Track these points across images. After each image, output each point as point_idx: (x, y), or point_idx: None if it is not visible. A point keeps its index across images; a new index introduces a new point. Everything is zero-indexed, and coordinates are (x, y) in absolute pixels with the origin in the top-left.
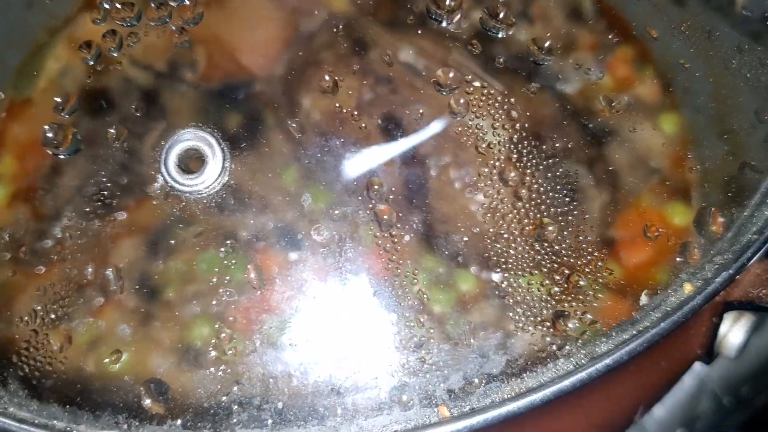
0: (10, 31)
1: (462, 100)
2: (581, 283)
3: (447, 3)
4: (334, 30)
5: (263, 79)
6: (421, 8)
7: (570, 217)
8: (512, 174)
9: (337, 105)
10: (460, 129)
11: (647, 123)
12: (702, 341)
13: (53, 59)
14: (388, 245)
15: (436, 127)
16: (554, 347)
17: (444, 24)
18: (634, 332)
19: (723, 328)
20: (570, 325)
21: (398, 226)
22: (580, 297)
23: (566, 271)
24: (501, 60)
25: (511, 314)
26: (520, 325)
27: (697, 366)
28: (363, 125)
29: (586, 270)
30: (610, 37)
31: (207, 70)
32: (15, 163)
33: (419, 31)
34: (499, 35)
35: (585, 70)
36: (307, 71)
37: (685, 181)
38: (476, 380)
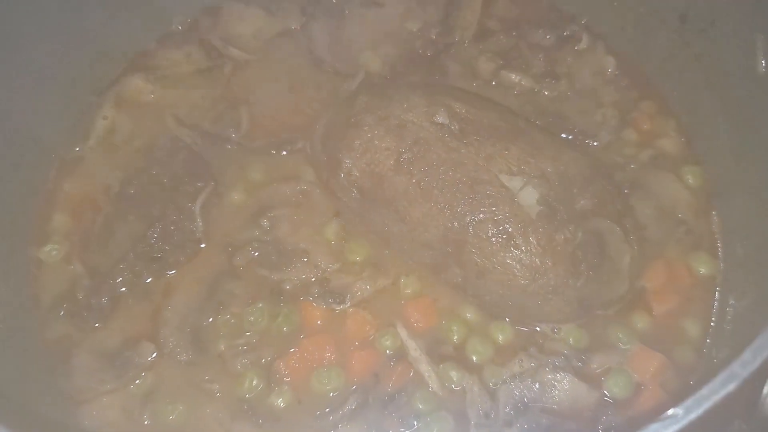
0: (61, 93)
1: (495, 159)
2: (615, 334)
3: (483, 66)
4: (372, 91)
5: (305, 137)
6: (455, 70)
7: (601, 271)
8: (545, 229)
9: (375, 164)
10: (494, 187)
11: (672, 175)
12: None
13: (101, 118)
14: (428, 295)
15: (468, 183)
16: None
17: (474, 85)
18: None
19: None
20: (607, 376)
21: (441, 276)
22: (614, 347)
23: (599, 322)
24: (531, 117)
25: (547, 366)
26: (557, 375)
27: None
28: (399, 181)
29: (619, 321)
30: (633, 93)
31: (251, 129)
32: (68, 221)
33: (454, 93)
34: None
35: (610, 125)
36: (348, 132)
37: (711, 232)
38: None
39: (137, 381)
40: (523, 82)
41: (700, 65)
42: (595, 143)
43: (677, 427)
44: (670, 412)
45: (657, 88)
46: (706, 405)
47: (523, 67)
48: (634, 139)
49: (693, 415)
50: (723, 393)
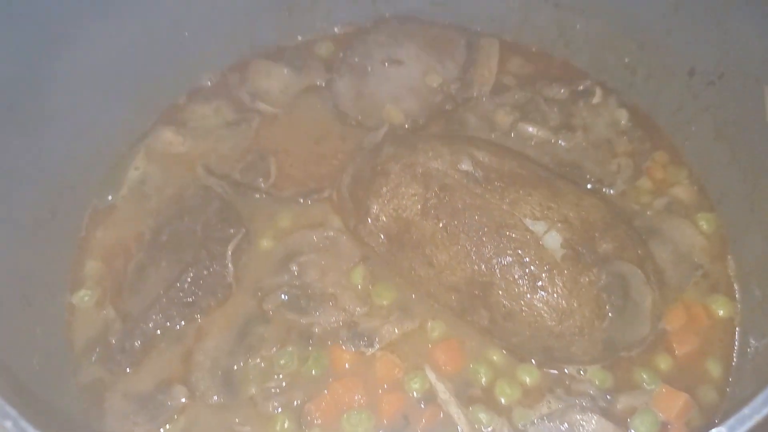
0: (95, 144)
1: (519, 204)
2: (640, 374)
3: (501, 118)
4: (396, 142)
5: (331, 186)
6: (474, 122)
7: (625, 313)
8: (570, 272)
9: (402, 210)
10: (519, 231)
11: (687, 222)
12: None
13: (133, 169)
14: (455, 338)
15: (494, 226)
16: None
17: (492, 136)
18: None
19: None
20: (633, 416)
21: (468, 319)
22: (639, 387)
23: (624, 364)
24: (550, 165)
25: (575, 406)
26: (585, 415)
27: None
28: (425, 225)
29: (642, 362)
30: (646, 143)
31: (279, 179)
32: (100, 267)
33: (475, 142)
34: (542, 141)
35: (625, 174)
36: (375, 179)
37: (727, 275)
38: None
39: (169, 424)
40: (539, 134)
41: (710, 116)
42: (611, 191)
43: None
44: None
45: (669, 139)
46: (749, 424)
47: (540, 120)
48: (648, 188)
49: None
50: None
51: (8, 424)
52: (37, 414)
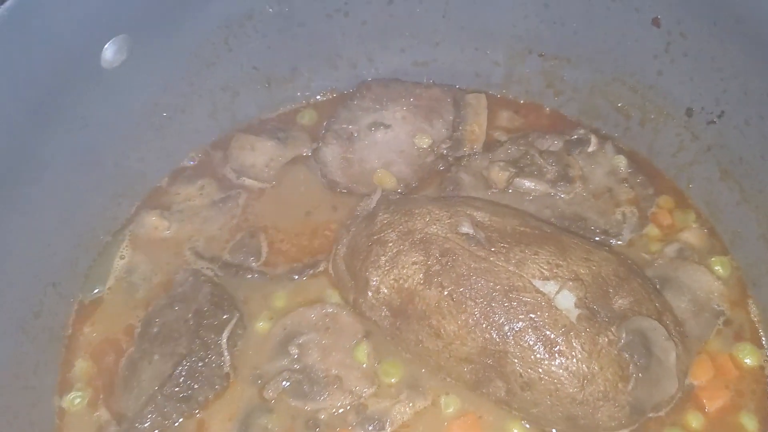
0: (76, 236)
1: (526, 264)
2: None
3: (496, 175)
4: (390, 208)
5: (326, 259)
6: (468, 181)
7: (650, 371)
8: (587, 333)
9: (404, 279)
10: (529, 293)
11: (702, 267)
12: None
13: (118, 258)
14: (472, 412)
15: (502, 290)
16: None
17: (489, 194)
18: None
19: None
20: None
21: (483, 391)
22: None
23: (653, 425)
24: (552, 220)
25: None
26: None
27: None
28: (430, 294)
29: (673, 422)
30: (649, 189)
31: (270, 256)
32: (90, 366)
33: (472, 202)
34: (540, 195)
35: (631, 222)
36: (373, 250)
37: (750, 320)
38: None
39: None
40: (537, 188)
41: (713, 156)
42: (618, 242)
43: None
44: None
45: (672, 183)
46: None
47: (536, 174)
48: (656, 235)
49: None
50: None
51: None
52: None
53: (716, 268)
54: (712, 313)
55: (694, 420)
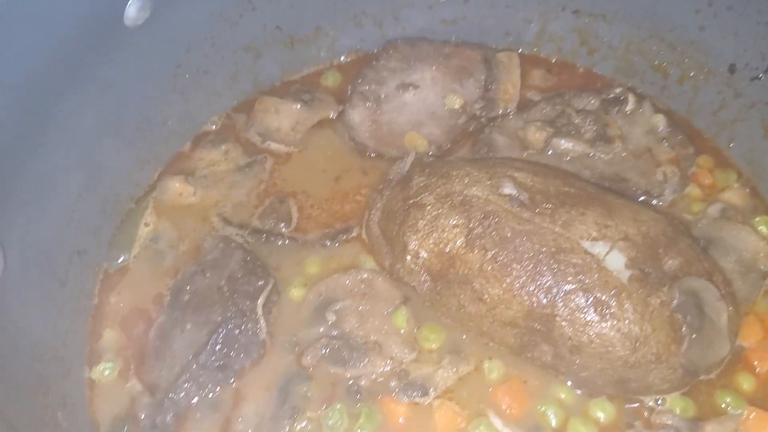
0: (99, 203)
1: (573, 225)
2: (723, 398)
3: (532, 136)
4: (426, 171)
5: (359, 225)
6: (503, 143)
7: (703, 332)
8: (639, 294)
9: (444, 243)
10: (577, 255)
11: (746, 227)
12: None
13: (143, 225)
14: (517, 377)
15: (549, 253)
16: None
17: (525, 155)
18: None
19: None
20: None
21: (528, 356)
22: (724, 413)
23: (703, 388)
24: (590, 179)
25: None
26: None
27: None
28: (472, 258)
29: (723, 385)
30: (690, 148)
31: (301, 222)
32: (119, 336)
33: (512, 163)
34: (579, 155)
35: (673, 182)
36: (410, 213)
37: None
38: None
39: None
40: (576, 148)
41: (757, 113)
42: (660, 203)
43: None
44: None
45: (712, 142)
46: None
47: (574, 133)
48: (698, 195)
49: None
50: None
51: None
52: None
53: (760, 228)
54: (759, 273)
55: (745, 382)
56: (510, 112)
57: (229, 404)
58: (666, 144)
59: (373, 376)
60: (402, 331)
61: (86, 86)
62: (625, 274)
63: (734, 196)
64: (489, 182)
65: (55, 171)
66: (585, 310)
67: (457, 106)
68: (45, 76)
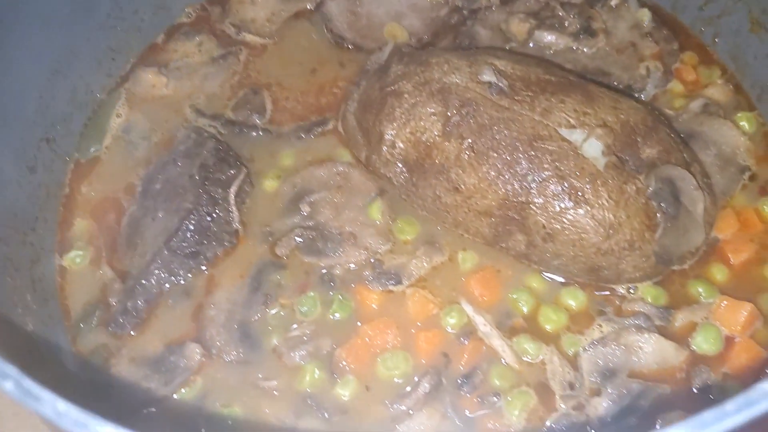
0: (70, 92)
1: (552, 113)
2: (695, 288)
3: (515, 28)
4: (405, 60)
5: (335, 117)
6: (485, 35)
7: (678, 221)
8: (615, 181)
9: (421, 132)
10: (554, 142)
11: (728, 122)
12: None
13: (115, 116)
14: (490, 267)
15: (526, 140)
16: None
17: (507, 48)
18: None
19: None
20: (693, 332)
21: (502, 246)
22: (696, 301)
23: (676, 278)
24: (572, 71)
25: (629, 327)
26: (642, 336)
27: None
28: (449, 147)
29: (697, 275)
30: (674, 44)
31: (276, 114)
32: (90, 225)
33: (493, 52)
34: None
35: (655, 77)
36: (387, 102)
37: None
38: None
39: (186, 387)
40: (559, 41)
41: (743, 5)
42: (642, 96)
43: None
44: None
45: (697, 38)
46: None
47: (558, 26)
48: (681, 91)
49: None
50: None
51: (8, 384)
52: (42, 371)
53: (742, 123)
54: (738, 168)
55: (719, 273)
56: (493, 4)
57: (202, 291)
58: (650, 39)
59: (348, 266)
60: (377, 222)
61: None
62: (601, 161)
63: (717, 92)
64: (469, 70)
65: (21, 52)
66: (560, 197)
67: None
68: None
